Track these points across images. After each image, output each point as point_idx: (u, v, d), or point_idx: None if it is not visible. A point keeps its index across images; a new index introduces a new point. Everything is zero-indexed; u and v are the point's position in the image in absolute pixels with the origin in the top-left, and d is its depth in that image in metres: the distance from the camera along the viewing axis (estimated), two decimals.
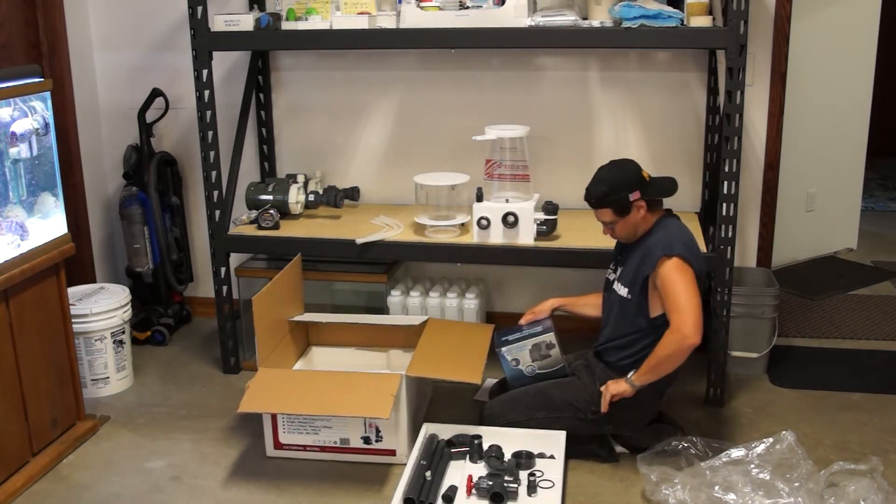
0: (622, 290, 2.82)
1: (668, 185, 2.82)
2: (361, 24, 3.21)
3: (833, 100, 4.59)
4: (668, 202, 3.09)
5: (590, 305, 3.06)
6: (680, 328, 2.62)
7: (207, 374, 3.59)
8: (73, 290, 3.38)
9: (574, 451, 2.82)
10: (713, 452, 2.72)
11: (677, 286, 2.65)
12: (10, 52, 3.52)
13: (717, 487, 2.52)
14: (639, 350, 2.77)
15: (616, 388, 2.74)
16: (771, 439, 2.66)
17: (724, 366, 3.21)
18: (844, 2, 4.46)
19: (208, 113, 3.36)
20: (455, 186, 3.35)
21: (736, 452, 2.65)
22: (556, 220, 3.23)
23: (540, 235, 3.23)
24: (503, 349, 2.95)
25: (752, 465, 2.59)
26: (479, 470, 2.70)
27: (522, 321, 3.03)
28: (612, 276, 2.91)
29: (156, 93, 3.78)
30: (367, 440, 2.86)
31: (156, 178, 3.76)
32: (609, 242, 2.96)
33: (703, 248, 3.13)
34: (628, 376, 2.74)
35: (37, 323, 2.89)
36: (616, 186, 2.73)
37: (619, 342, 2.82)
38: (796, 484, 2.51)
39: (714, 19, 3.07)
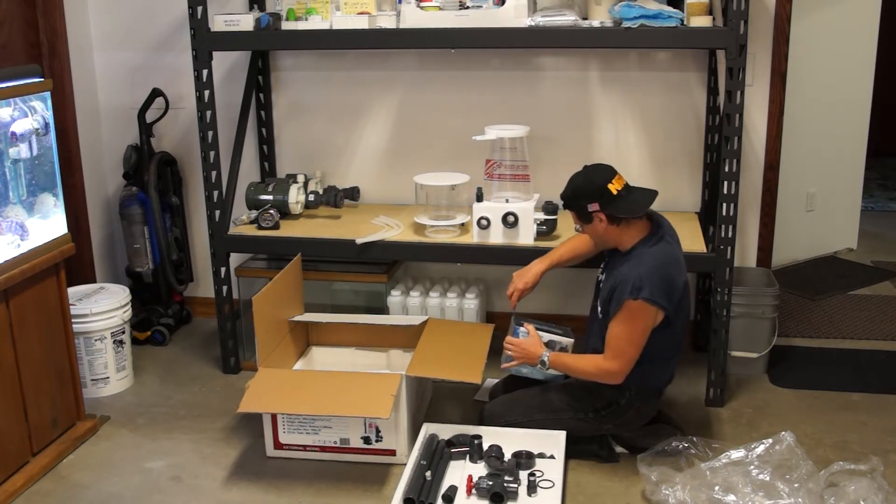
0: (599, 308, 2.82)
1: (636, 204, 2.69)
2: (361, 24, 3.21)
3: (833, 100, 4.58)
4: (666, 202, 3.09)
5: (576, 253, 3.02)
6: (608, 366, 2.68)
7: (207, 374, 3.59)
8: (73, 290, 3.38)
9: (574, 451, 2.82)
10: (713, 453, 2.72)
11: (626, 330, 2.66)
12: (10, 52, 3.52)
13: (717, 488, 2.52)
14: None
15: (529, 348, 2.80)
16: (771, 440, 2.66)
17: (724, 366, 3.21)
18: (844, 2, 4.46)
19: (208, 113, 3.36)
20: (455, 186, 3.35)
21: (736, 453, 2.65)
22: (556, 220, 3.23)
23: (540, 235, 3.22)
24: (521, 327, 2.89)
25: (752, 466, 2.59)
26: (479, 470, 2.70)
27: (512, 292, 2.97)
28: (600, 277, 2.91)
29: (156, 93, 3.78)
30: (367, 440, 2.86)
31: (156, 178, 3.76)
32: None
33: (702, 248, 3.13)
34: (546, 354, 2.77)
35: (37, 323, 2.89)
36: (578, 193, 2.73)
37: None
38: (796, 484, 2.50)
39: (714, 19, 3.07)
